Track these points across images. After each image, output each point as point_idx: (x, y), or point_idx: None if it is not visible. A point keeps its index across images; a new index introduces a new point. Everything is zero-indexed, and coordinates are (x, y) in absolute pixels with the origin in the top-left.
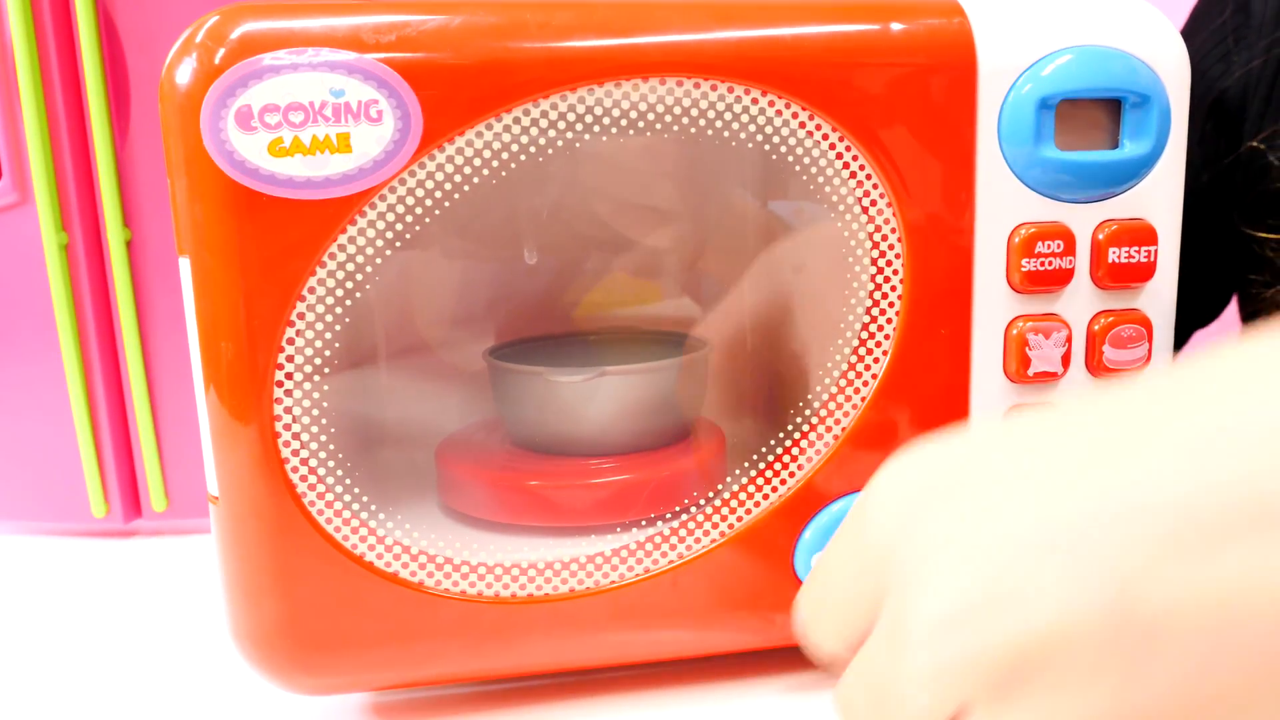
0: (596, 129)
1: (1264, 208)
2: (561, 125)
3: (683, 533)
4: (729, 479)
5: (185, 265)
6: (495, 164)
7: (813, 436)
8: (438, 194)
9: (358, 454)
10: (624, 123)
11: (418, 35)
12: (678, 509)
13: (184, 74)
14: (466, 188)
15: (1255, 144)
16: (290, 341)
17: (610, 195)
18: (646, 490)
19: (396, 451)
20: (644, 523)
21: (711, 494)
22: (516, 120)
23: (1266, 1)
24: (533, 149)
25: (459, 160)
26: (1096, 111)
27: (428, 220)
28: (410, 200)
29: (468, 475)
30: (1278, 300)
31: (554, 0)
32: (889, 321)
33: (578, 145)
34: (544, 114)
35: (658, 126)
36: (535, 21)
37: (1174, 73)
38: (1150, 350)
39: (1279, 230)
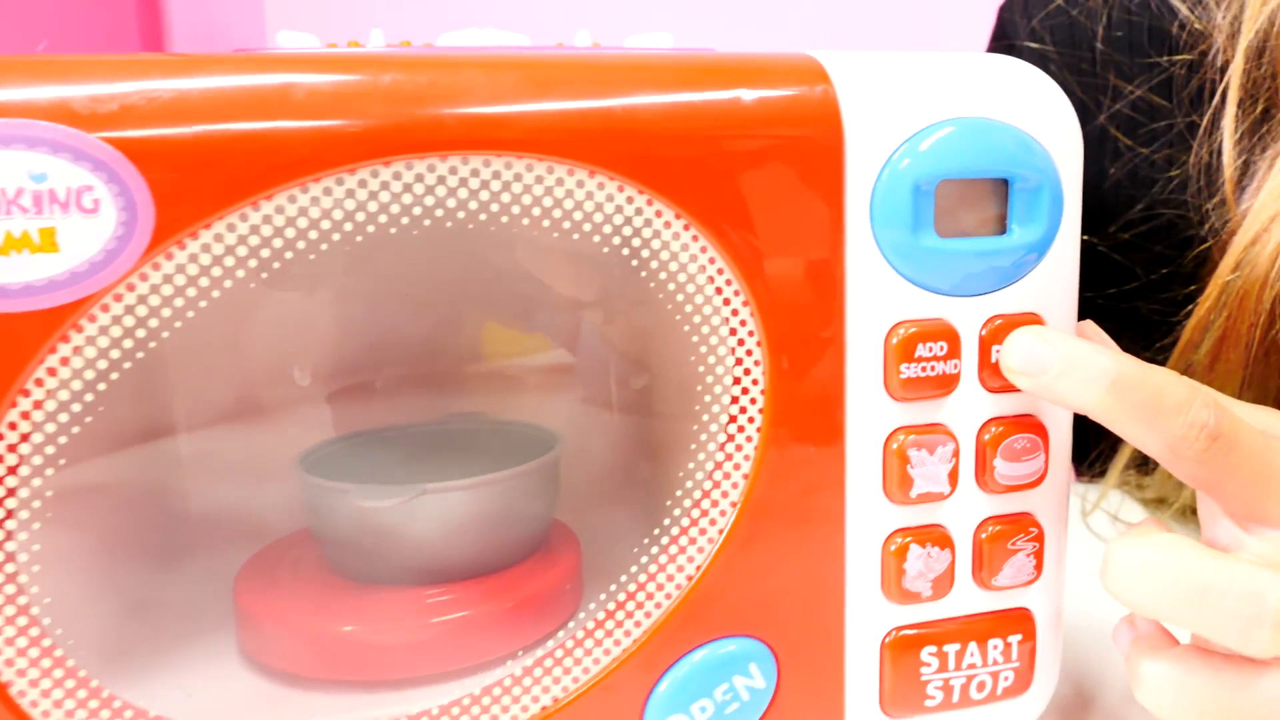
0: (384, 218)
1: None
2: (338, 214)
3: (517, 690)
4: (580, 613)
5: None
6: (254, 263)
7: (661, 579)
8: (178, 301)
9: (117, 610)
10: (418, 210)
11: (148, 105)
12: (515, 655)
13: None
14: (216, 293)
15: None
16: None
17: (425, 286)
18: (485, 629)
19: (186, 586)
20: (479, 669)
21: (554, 634)
22: (279, 209)
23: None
24: (302, 244)
25: (206, 259)
26: (981, 193)
27: (166, 334)
28: (143, 310)
29: (269, 615)
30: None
31: (328, 56)
32: (748, 439)
33: (359, 239)
34: (314, 201)
35: (461, 215)
36: (302, 90)
37: (1066, 148)
38: (1047, 463)
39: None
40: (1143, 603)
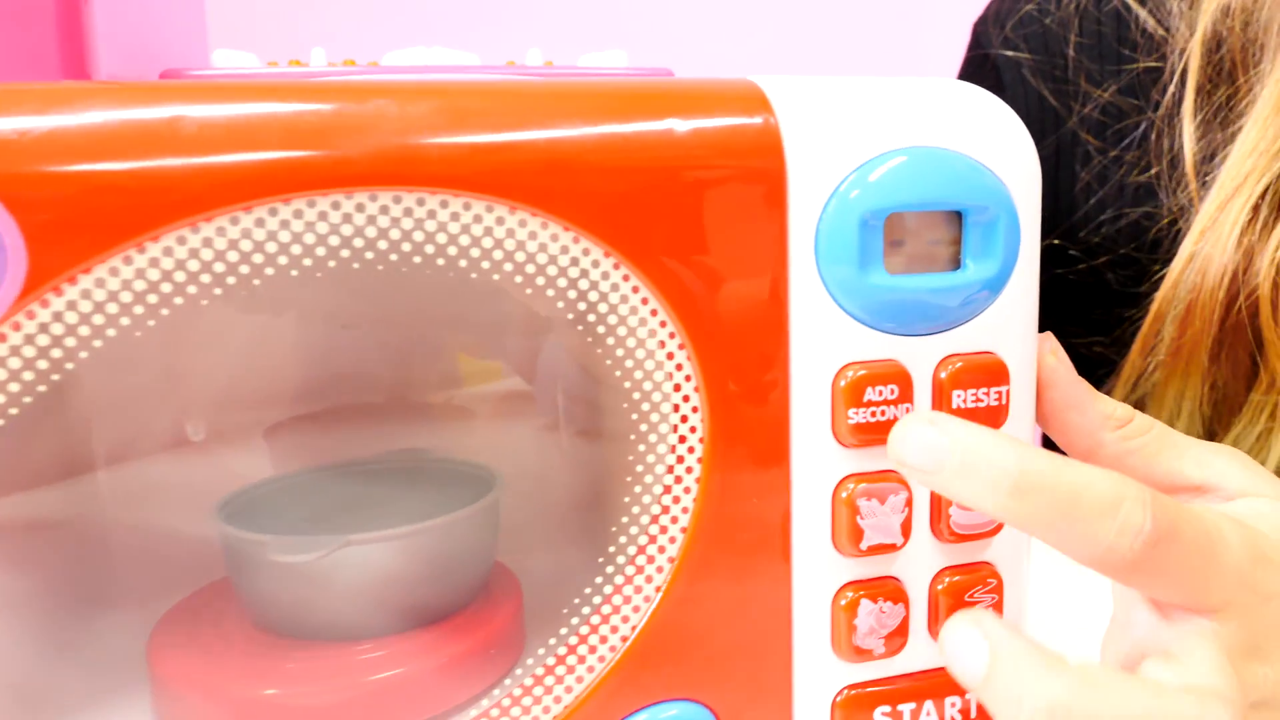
0: (284, 259)
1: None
2: (234, 256)
3: None
4: (518, 669)
5: None
6: (140, 309)
7: (594, 640)
8: (56, 352)
9: (14, 674)
10: (322, 251)
11: (20, 141)
12: (450, 715)
13: None
14: (98, 342)
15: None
16: None
17: (347, 323)
18: (420, 687)
19: (96, 643)
20: None
21: (489, 692)
22: (168, 251)
23: (1025, 97)
24: (193, 288)
25: (87, 306)
26: (933, 226)
27: (42, 388)
28: (17, 362)
29: (185, 678)
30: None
31: (222, 85)
32: (687, 491)
33: (257, 282)
34: (207, 242)
35: (369, 255)
36: (192, 123)
37: (1023, 179)
38: None
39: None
40: None
